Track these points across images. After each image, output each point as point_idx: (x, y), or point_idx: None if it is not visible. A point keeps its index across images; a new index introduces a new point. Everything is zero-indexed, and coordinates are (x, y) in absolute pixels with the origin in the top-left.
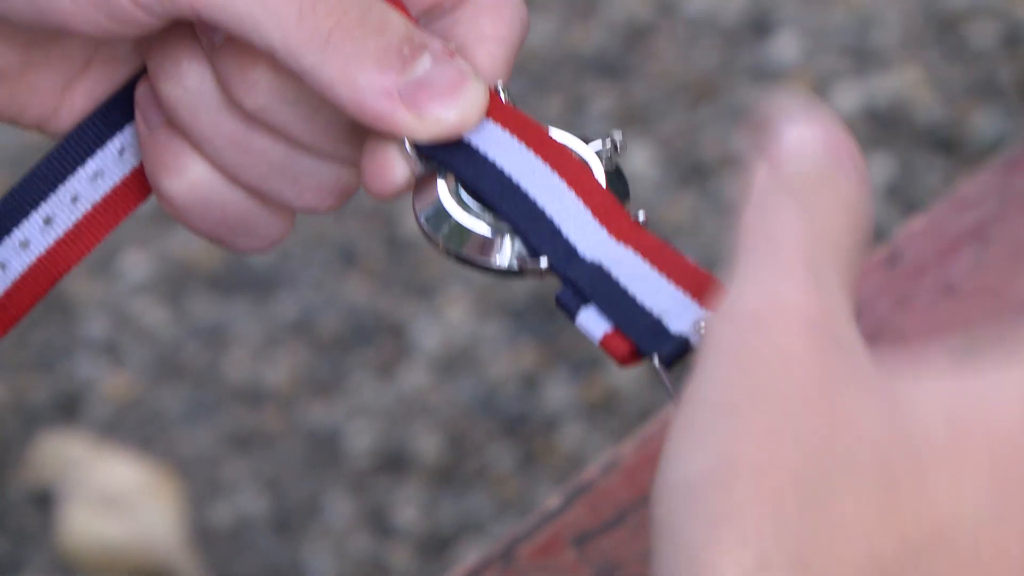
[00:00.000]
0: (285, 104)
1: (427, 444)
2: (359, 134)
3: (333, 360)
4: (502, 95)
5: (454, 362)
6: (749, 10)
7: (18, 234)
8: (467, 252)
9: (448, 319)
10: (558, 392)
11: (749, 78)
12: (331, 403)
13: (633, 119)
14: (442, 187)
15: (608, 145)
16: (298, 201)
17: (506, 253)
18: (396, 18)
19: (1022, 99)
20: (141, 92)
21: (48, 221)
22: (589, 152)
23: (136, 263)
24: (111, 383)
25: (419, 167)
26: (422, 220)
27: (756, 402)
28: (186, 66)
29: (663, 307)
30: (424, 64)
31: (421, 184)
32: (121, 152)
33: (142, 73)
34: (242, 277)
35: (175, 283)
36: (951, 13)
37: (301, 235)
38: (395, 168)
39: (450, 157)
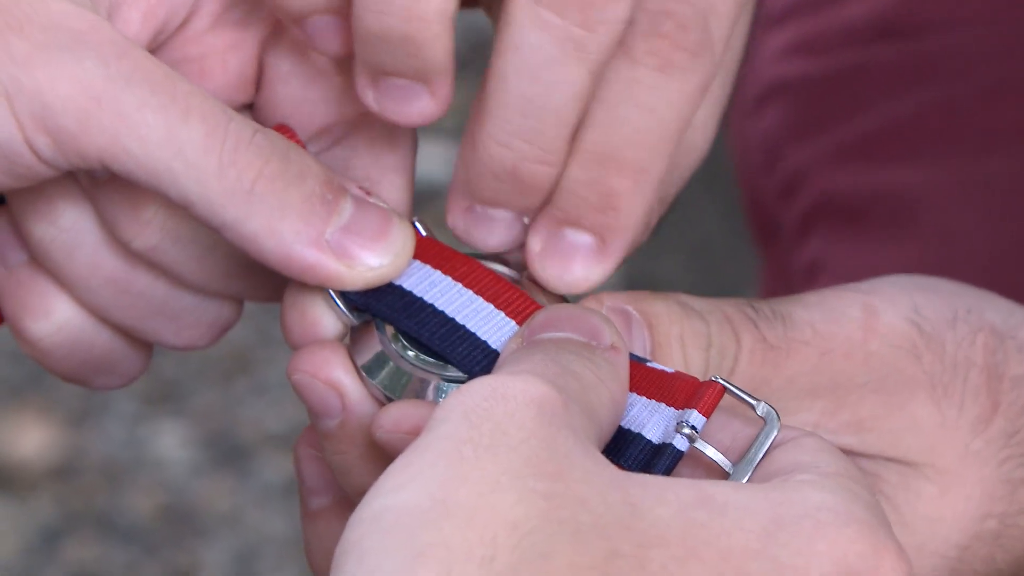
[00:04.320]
0: (177, 244)
1: None
2: (250, 269)
3: None
4: (420, 229)
5: None
6: None
7: None
8: (405, 397)
9: None
10: None
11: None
12: None
13: (162, 398)
14: (380, 338)
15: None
16: (175, 339)
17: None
18: (313, 162)
19: None
20: None
21: None
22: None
23: None
24: None
25: (350, 319)
26: (361, 370)
27: (480, 453)
28: (61, 205)
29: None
30: (347, 208)
31: (356, 333)
32: None
33: None
34: None
35: None
36: None
37: None
38: (323, 321)
39: (385, 306)
